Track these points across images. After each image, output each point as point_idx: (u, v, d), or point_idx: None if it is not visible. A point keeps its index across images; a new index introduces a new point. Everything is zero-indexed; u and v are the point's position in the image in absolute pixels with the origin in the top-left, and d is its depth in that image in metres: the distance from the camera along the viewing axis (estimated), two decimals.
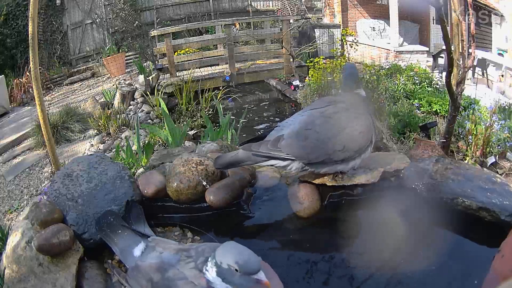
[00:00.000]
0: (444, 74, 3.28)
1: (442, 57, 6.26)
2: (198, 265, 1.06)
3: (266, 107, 6.65)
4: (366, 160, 1.62)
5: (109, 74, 9.00)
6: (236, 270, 0.98)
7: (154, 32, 7.41)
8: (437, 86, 5.64)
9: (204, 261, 1.06)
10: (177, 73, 7.17)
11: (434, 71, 6.43)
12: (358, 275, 1.38)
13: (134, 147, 3.52)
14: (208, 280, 1.03)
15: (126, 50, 9.78)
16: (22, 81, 8.14)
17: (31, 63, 2.62)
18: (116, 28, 9.88)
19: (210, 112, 5.67)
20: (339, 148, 1.47)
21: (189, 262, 1.09)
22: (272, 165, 1.57)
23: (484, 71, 6.04)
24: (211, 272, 1.02)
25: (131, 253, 1.25)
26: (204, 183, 1.64)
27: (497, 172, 3.07)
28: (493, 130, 3.31)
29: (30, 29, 2.51)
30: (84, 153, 4.90)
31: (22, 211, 3.74)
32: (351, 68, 1.61)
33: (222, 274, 1.00)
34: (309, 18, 8.80)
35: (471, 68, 4.84)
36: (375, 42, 8.44)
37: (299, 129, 1.51)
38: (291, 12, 9.70)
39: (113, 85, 7.69)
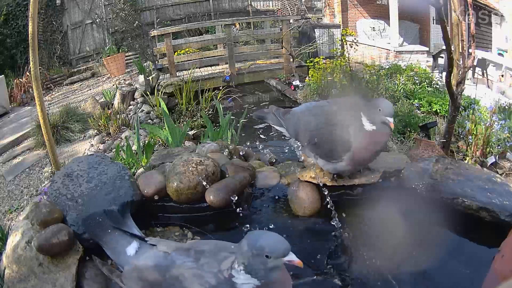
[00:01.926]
0: (444, 74, 3.28)
1: (442, 57, 6.25)
2: (223, 272, 1.02)
3: (266, 107, 6.63)
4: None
5: (109, 74, 9.00)
6: (267, 256, 0.95)
7: (154, 32, 7.40)
8: (437, 86, 5.64)
9: (230, 266, 1.01)
10: (177, 73, 7.16)
11: (434, 71, 6.43)
12: (358, 275, 1.38)
13: (134, 147, 3.52)
14: (235, 284, 0.99)
15: (126, 50, 9.77)
16: (22, 81, 8.13)
17: (31, 63, 2.61)
18: (116, 28, 9.87)
19: (210, 112, 5.66)
20: (312, 142, 1.55)
21: (206, 265, 1.06)
22: (282, 132, 1.71)
23: (484, 71, 6.04)
24: (239, 274, 0.99)
25: (123, 252, 1.23)
26: (204, 183, 1.64)
27: (497, 172, 3.07)
28: (493, 130, 3.31)
29: (30, 29, 2.51)
30: (84, 153, 4.90)
31: (22, 211, 3.74)
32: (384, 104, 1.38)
33: (251, 268, 0.97)
34: (309, 18, 8.79)
35: (471, 68, 4.84)
36: (375, 42, 8.43)
37: (301, 110, 1.63)
38: (291, 12, 9.69)
39: (113, 85, 7.69)
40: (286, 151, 2.28)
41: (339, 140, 1.43)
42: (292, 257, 0.98)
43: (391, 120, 1.35)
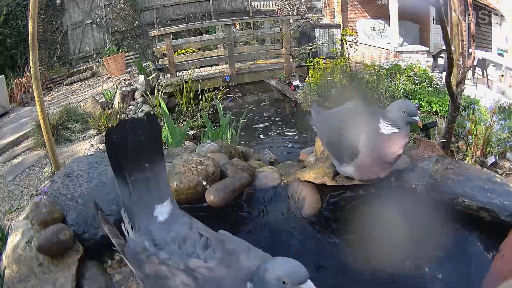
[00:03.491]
0: (444, 74, 3.27)
1: (442, 57, 6.25)
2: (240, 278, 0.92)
3: (266, 107, 6.64)
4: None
5: (109, 74, 8.99)
6: (284, 282, 0.89)
7: (154, 32, 7.40)
8: (437, 86, 5.63)
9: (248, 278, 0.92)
10: (177, 73, 7.15)
11: (434, 71, 6.43)
12: (358, 275, 1.38)
13: None
14: None
15: (126, 50, 9.77)
16: (22, 81, 8.12)
17: (31, 63, 2.61)
18: (116, 28, 9.87)
19: (210, 112, 5.66)
20: (324, 141, 1.61)
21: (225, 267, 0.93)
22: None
23: (484, 71, 6.03)
24: None
25: (150, 215, 0.91)
26: (204, 183, 1.64)
27: (497, 172, 3.06)
28: (493, 130, 3.30)
29: (30, 29, 2.51)
30: (84, 153, 4.90)
31: (22, 211, 3.73)
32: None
33: None
34: (309, 18, 8.79)
35: (471, 68, 4.84)
36: (375, 42, 8.43)
37: (330, 110, 1.68)
38: (291, 12, 9.69)
39: (113, 85, 7.69)
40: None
41: (348, 144, 1.43)
42: (309, 285, 0.90)
43: (418, 119, 1.32)
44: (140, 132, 0.87)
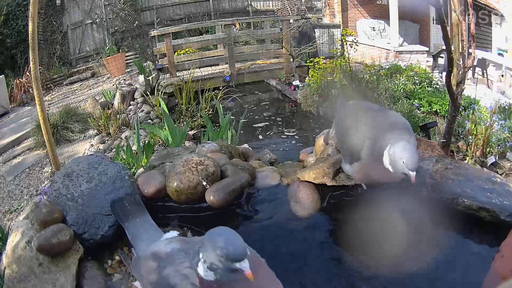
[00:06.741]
0: (444, 74, 3.27)
1: (442, 57, 6.25)
2: (193, 265, 1.02)
3: (266, 107, 6.64)
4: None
5: (109, 74, 8.99)
6: (220, 256, 0.91)
7: (154, 32, 7.39)
8: (437, 86, 5.63)
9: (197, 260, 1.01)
10: (177, 73, 7.15)
11: (434, 71, 6.42)
12: (357, 274, 1.38)
13: (134, 147, 3.52)
14: (202, 277, 0.98)
15: (126, 50, 9.76)
16: (22, 81, 8.12)
17: (31, 63, 2.61)
18: (116, 28, 9.87)
19: (210, 112, 5.66)
20: (337, 135, 1.65)
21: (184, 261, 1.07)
22: None
23: (484, 71, 6.03)
24: (201, 268, 0.97)
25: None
26: (204, 183, 1.64)
27: (497, 172, 3.06)
28: (493, 130, 3.30)
29: (30, 29, 2.51)
30: (84, 153, 4.89)
31: (22, 211, 3.73)
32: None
33: (210, 265, 0.95)
34: (309, 18, 8.78)
35: (471, 68, 4.83)
36: (375, 42, 8.43)
37: (347, 106, 1.67)
38: (291, 12, 9.69)
39: (113, 85, 7.69)
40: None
41: (353, 146, 1.43)
42: (243, 266, 0.89)
43: (413, 174, 1.22)
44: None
